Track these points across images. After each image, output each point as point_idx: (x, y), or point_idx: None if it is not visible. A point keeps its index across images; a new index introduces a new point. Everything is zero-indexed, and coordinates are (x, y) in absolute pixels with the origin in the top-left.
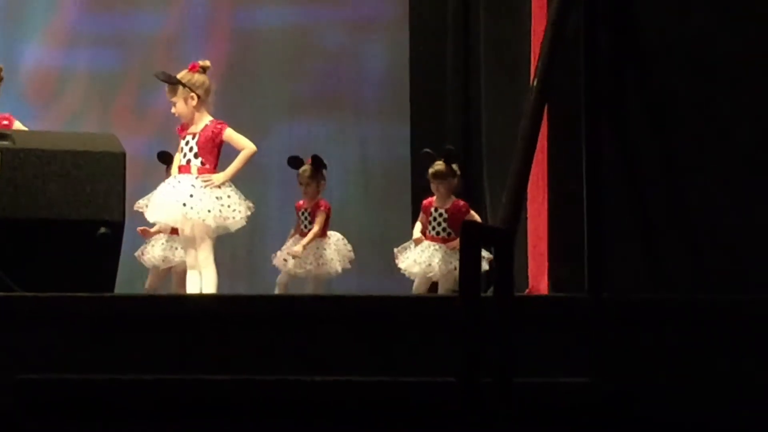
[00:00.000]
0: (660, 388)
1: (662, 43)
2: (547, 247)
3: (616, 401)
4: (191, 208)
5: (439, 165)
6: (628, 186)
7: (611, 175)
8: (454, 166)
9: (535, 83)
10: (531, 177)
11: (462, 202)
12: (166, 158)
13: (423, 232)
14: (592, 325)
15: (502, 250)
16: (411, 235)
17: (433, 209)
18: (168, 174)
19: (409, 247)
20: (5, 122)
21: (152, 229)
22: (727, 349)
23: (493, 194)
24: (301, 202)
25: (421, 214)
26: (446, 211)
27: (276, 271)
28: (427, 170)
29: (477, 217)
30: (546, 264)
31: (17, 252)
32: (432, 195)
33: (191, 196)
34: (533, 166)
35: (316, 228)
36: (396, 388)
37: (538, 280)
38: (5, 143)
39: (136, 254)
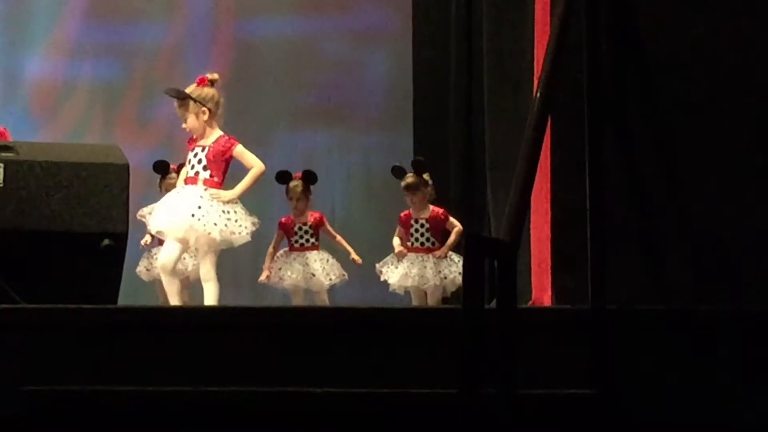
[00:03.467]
0: (663, 399)
1: (665, 54)
2: (550, 258)
3: (619, 412)
4: (198, 219)
5: (409, 177)
6: (631, 197)
7: (614, 186)
8: (425, 176)
9: (538, 94)
10: (534, 188)
11: (440, 210)
12: (161, 168)
13: (403, 245)
14: (595, 336)
15: (505, 261)
16: None
17: (413, 221)
18: (162, 185)
19: (392, 262)
20: None
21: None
22: (729, 360)
23: (496, 205)
24: (288, 218)
25: (399, 228)
26: (426, 220)
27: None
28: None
29: (457, 223)
30: (549, 275)
31: (20, 264)
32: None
33: (199, 207)
34: (536, 177)
35: (340, 238)
36: (398, 399)
37: (542, 291)
38: (8, 155)
39: (137, 271)
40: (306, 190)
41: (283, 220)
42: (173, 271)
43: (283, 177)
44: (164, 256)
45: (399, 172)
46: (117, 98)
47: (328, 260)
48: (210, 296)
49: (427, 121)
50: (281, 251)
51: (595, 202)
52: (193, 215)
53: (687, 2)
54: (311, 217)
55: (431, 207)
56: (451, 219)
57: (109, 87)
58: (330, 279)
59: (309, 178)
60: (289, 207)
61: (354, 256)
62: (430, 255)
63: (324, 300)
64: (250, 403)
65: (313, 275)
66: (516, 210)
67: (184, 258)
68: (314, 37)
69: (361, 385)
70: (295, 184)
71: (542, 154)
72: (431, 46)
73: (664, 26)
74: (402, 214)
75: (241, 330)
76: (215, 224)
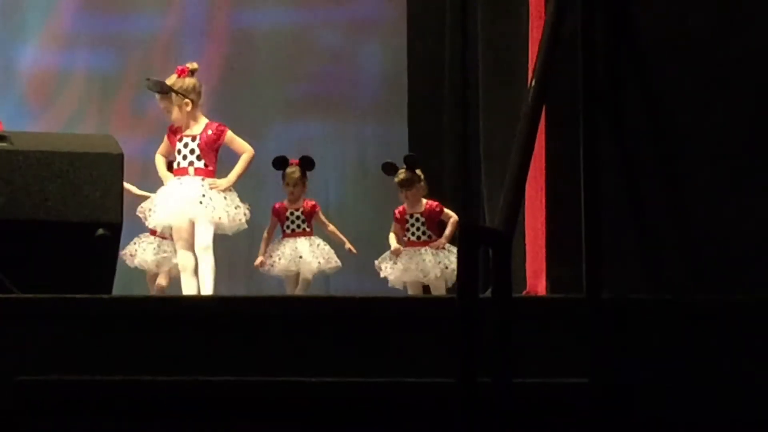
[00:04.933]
0: (658, 388)
1: (660, 44)
2: (544, 247)
3: (615, 402)
4: (206, 206)
5: (402, 173)
6: (626, 186)
7: (609, 176)
8: (418, 171)
9: (532, 84)
10: (528, 178)
11: (434, 203)
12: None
13: (400, 241)
14: (590, 325)
15: (500, 251)
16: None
17: (408, 216)
18: None
19: (390, 258)
20: None
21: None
22: (725, 350)
23: (491, 196)
24: (281, 204)
25: (394, 224)
26: (421, 214)
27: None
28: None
29: (452, 214)
30: (544, 265)
31: (15, 253)
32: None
33: (204, 195)
34: (531, 166)
35: (333, 227)
36: (394, 389)
37: (536, 280)
38: (3, 145)
39: (122, 253)
40: (303, 177)
41: (276, 205)
42: (193, 271)
43: (281, 163)
44: (183, 261)
45: (390, 169)
46: (112, 89)
47: (319, 245)
48: (207, 268)
49: (422, 111)
50: (276, 239)
51: (589, 192)
52: (201, 203)
53: None
54: (305, 204)
55: (425, 201)
56: (446, 210)
57: (104, 77)
58: (319, 262)
59: (306, 164)
60: (282, 194)
61: (349, 245)
62: (428, 247)
63: (307, 279)
64: (245, 393)
65: (301, 257)
66: (511, 199)
67: (168, 252)
68: (309, 28)
69: (357, 375)
70: (293, 170)
71: (537, 143)
72: (426, 37)
73: (660, 15)
74: (397, 211)
75: (235, 319)
76: (225, 210)
